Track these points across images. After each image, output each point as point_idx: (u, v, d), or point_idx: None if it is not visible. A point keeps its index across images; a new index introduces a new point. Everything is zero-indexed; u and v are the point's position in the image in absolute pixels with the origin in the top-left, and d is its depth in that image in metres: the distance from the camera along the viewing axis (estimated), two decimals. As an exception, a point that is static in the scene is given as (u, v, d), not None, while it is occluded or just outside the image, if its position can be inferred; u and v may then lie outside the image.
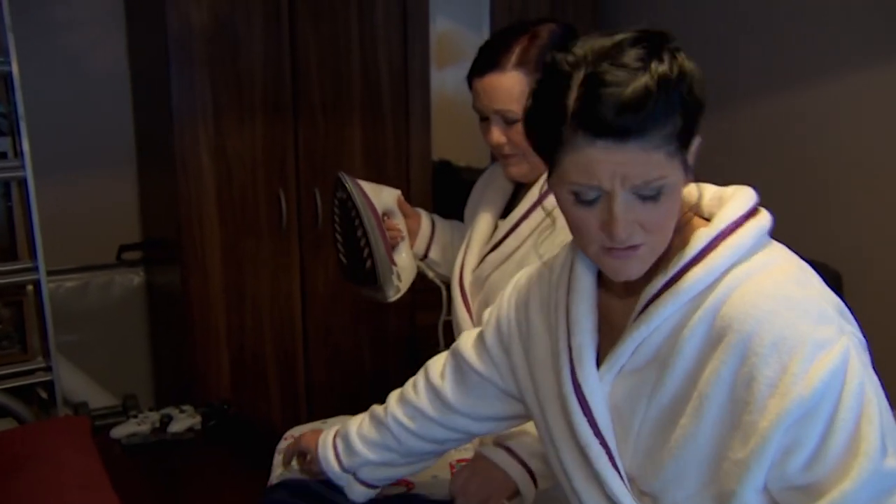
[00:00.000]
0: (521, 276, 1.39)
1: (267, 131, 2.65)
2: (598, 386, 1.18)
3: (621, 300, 1.20)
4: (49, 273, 2.47)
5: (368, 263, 1.81)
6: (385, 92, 2.77)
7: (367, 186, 1.82)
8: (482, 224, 1.81)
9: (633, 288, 1.16)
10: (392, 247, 1.85)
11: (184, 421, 1.96)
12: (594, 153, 1.04)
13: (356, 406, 2.58)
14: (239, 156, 2.62)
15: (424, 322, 2.61)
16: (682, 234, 1.13)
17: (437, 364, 1.50)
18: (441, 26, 2.88)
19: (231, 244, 2.66)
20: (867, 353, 1.08)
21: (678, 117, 1.04)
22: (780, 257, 1.11)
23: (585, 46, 1.07)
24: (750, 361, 1.03)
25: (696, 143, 1.09)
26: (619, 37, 1.07)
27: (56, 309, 2.54)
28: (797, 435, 1.01)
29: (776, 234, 1.14)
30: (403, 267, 1.86)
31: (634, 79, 1.02)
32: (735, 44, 2.67)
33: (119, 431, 1.92)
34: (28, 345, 2.48)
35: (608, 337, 1.20)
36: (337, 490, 1.52)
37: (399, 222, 1.91)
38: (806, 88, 2.46)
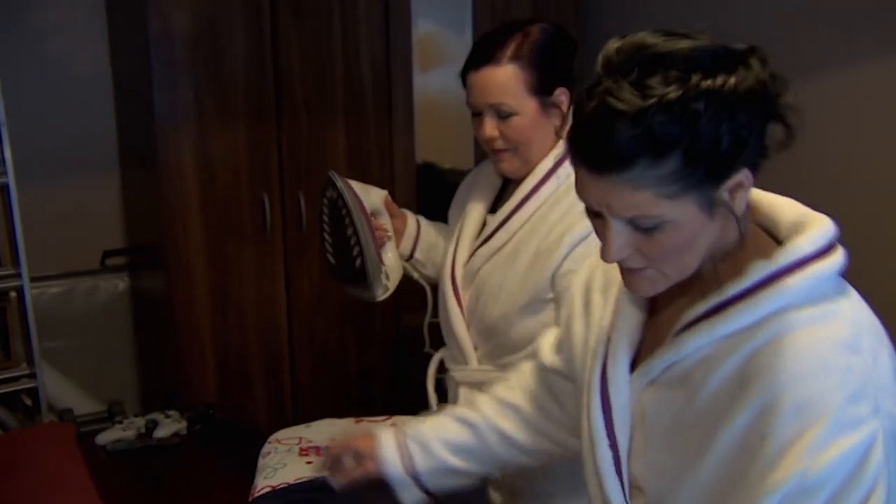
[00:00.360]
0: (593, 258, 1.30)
1: (250, 134, 2.64)
2: (626, 388, 1.13)
3: (671, 309, 1.13)
4: (33, 279, 2.46)
5: (358, 262, 1.81)
6: (368, 94, 2.77)
7: (356, 186, 1.84)
8: (472, 219, 1.82)
9: (684, 301, 1.09)
10: (379, 246, 1.85)
11: (169, 426, 1.96)
12: (580, 174, 1.00)
13: (342, 408, 2.59)
14: (222, 159, 2.62)
15: (409, 323, 2.61)
16: (740, 257, 1.03)
17: (526, 371, 1.45)
18: (423, 28, 2.88)
19: (215, 248, 2.65)
20: None
21: (676, 157, 0.94)
22: (842, 313, 0.99)
23: (632, 46, 0.98)
24: (768, 418, 0.95)
25: (735, 181, 0.97)
26: (677, 45, 0.96)
27: (40, 315, 2.53)
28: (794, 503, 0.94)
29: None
30: (391, 267, 1.87)
31: (624, 107, 0.93)
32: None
33: (104, 438, 1.92)
34: (12, 351, 2.47)
35: (653, 338, 1.14)
36: (326, 494, 1.51)
37: (386, 222, 1.92)
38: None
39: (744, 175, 0.98)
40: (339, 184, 1.81)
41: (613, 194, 0.97)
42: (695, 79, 0.94)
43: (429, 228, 2.01)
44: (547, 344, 1.39)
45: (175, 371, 2.66)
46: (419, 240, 1.98)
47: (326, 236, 1.90)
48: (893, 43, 2.24)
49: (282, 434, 1.84)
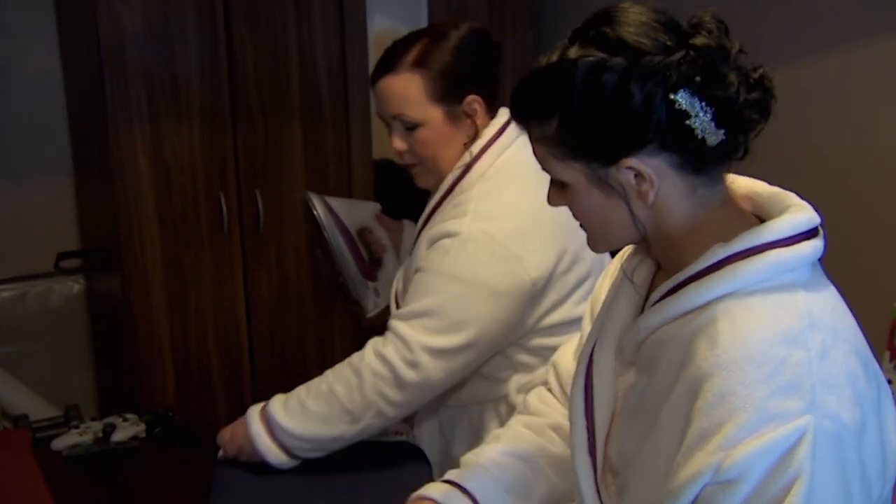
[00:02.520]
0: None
1: (205, 135, 2.62)
2: (609, 371, 1.14)
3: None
4: (-16, 283, 2.42)
5: (340, 279, 1.80)
6: (324, 93, 2.76)
7: (336, 203, 1.79)
8: (410, 235, 1.80)
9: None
10: (377, 260, 1.81)
11: (128, 429, 1.93)
12: None
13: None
14: (177, 160, 2.59)
15: (369, 324, 2.61)
16: (707, 238, 1.03)
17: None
18: (379, 25, 2.87)
19: (172, 250, 2.63)
20: (854, 442, 0.92)
21: (555, 122, 1.00)
22: (794, 304, 0.97)
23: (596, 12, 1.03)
24: (694, 403, 0.95)
25: (631, 168, 0.99)
26: (618, 15, 1.00)
27: (-7, 320, 2.49)
28: (713, 498, 0.92)
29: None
30: (388, 281, 1.81)
31: (536, 64, 1.02)
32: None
33: (60, 443, 1.89)
34: (-36, 358, 2.43)
35: None
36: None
37: (382, 236, 1.88)
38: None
39: (639, 164, 0.99)
40: (313, 203, 1.77)
41: (535, 149, 1.06)
42: (589, 55, 0.96)
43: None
44: (570, 350, 1.41)
45: (133, 374, 2.64)
46: None
47: (318, 252, 1.87)
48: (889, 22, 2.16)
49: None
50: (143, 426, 1.95)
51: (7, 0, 2.83)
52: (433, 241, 1.59)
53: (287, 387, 1.70)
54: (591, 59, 0.96)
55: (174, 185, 2.60)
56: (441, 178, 1.65)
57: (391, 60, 1.59)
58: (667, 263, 1.10)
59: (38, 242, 2.98)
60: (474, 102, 1.60)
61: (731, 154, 1.01)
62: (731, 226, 1.03)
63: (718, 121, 0.97)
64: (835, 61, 2.29)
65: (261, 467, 1.67)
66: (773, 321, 0.95)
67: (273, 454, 1.63)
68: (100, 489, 1.76)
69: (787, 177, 1.20)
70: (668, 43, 0.97)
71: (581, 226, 1.11)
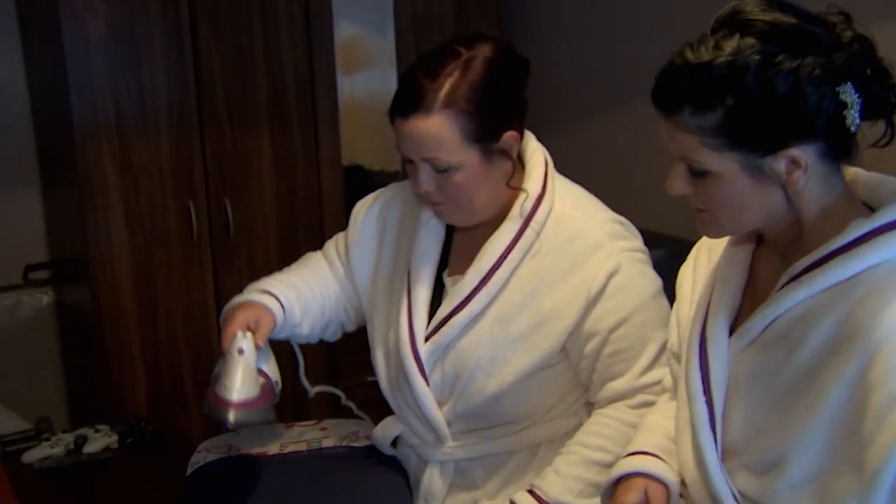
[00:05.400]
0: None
1: (173, 142, 2.61)
2: (724, 348, 1.18)
3: (768, 274, 1.18)
4: (-49, 297, 2.39)
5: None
6: (292, 99, 2.76)
7: (244, 393, 1.47)
8: (424, 282, 1.58)
9: (788, 260, 1.14)
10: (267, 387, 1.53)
11: (100, 441, 1.92)
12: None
13: (276, 414, 2.55)
14: (145, 168, 2.58)
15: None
16: (836, 223, 1.09)
17: None
18: (346, 31, 2.87)
19: (141, 259, 2.62)
20: None
21: (718, 114, 1.05)
22: None
23: (732, 9, 1.07)
24: (875, 371, 0.98)
25: (788, 157, 1.05)
26: (765, 15, 1.05)
27: (-40, 333, 2.46)
28: None
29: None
30: (276, 372, 1.58)
31: (691, 57, 1.07)
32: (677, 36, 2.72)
33: (31, 456, 1.87)
34: (-68, 372, 2.41)
35: (751, 303, 1.19)
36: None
37: (262, 356, 1.56)
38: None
39: (799, 153, 1.05)
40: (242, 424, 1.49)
41: (671, 134, 1.10)
42: (757, 49, 1.02)
43: (291, 310, 1.63)
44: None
45: (105, 385, 2.62)
46: (301, 325, 1.68)
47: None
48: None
49: (210, 442, 1.81)
50: (115, 437, 1.94)
51: (-31, 10, 2.81)
52: (588, 293, 1.47)
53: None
54: (765, 52, 1.02)
55: (142, 193, 2.59)
56: (475, 218, 1.53)
57: (419, 97, 1.42)
58: (793, 248, 1.14)
59: (6, 254, 2.94)
60: (511, 139, 1.48)
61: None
62: (854, 209, 1.11)
63: (865, 111, 1.05)
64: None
65: (233, 479, 1.66)
66: None
67: None
68: (71, 501, 1.75)
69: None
70: (833, 36, 1.04)
71: (700, 211, 1.15)
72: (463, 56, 1.43)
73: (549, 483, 1.48)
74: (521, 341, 1.50)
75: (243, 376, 1.48)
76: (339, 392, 1.78)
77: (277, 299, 1.61)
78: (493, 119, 1.46)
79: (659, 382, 1.48)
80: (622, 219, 1.58)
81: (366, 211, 1.72)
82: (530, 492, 1.50)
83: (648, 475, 1.25)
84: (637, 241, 1.57)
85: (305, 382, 1.73)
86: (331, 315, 1.74)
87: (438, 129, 1.41)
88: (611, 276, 1.47)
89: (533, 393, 1.54)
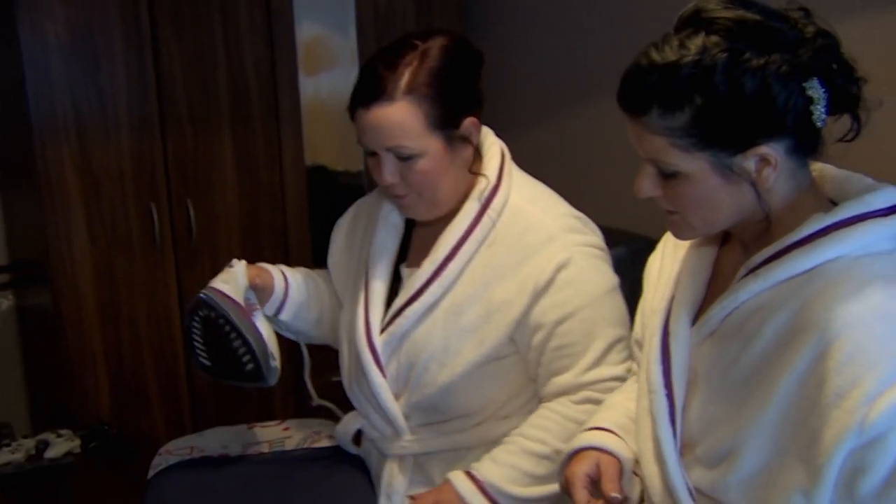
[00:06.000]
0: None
1: (134, 144, 2.59)
2: (686, 341, 1.18)
3: (730, 267, 1.19)
4: None
5: (250, 366, 1.57)
6: (254, 99, 2.75)
7: (226, 287, 1.57)
8: (380, 274, 1.61)
9: (749, 253, 1.15)
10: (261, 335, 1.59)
11: (62, 445, 1.91)
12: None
13: (241, 418, 2.56)
14: (106, 171, 2.56)
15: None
16: (799, 216, 1.10)
17: None
18: (308, 31, 2.87)
19: (103, 262, 2.60)
20: None
21: (686, 114, 1.06)
22: None
23: (695, 8, 1.07)
24: (825, 365, 0.98)
25: (758, 155, 1.05)
26: (728, 13, 1.05)
27: (-82, 339, 2.43)
28: (864, 458, 0.97)
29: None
30: (273, 344, 1.61)
31: (656, 58, 1.06)
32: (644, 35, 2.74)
33: (-9, 462, 1.86)
34: None
35: (713, 296, 1.20)
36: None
37: (251, 296, 1.64)
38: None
39: (769, 150, 1.05)
40: (216, 302, 1.54)
41: (639, 136, 1.10)
42: (723, 47, 1.01)
43: (299, 287, 1.73)
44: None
45: (67, 390, 2.59)
46: (286, 302, 1.71)
47: (200, 349, 1.61)
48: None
49: (172, 445, 1.80)
50: (78, 441, 1.93)
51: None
52: (536, 285, 1.47)
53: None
54: (732, 50, 1.01)
55: (104, 196, 2.57)
56: (438, 209, 1.54)
57: (380, 86, 1.43)
58: (757, 242, 1.15)
59: (-35, 258, 2.91)
60: (471, 125, 1.51)
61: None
62: (818, 204, 1.12)
63: (830, 106, 1.05)
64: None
65: (195, 482, 1.65)
66: (888, 280, 1.01)
67: None
68: (34, 507, 1.74)
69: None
70: (797, 31, 1.05)
71: (671, 213, 1.15)
72: (420, 47, 1.46)
73: (486, 468, 1.50)
74: (472, 332, 1.52)
75: (225, 276, 1.59)
76: (339, 411, 1.78)
77: (282, 272, 1.70)
78: (454, 104, 1.48)
79: (606, 380, 1.49)
80: (581, 214, 1.60)
81: (340, 223, 1.78)
82: (467, 473, 1.51)
83: (602, 449, 1.27)
84: (594, 237, 1.57)
85: (310, 386, 1.75)
86: (333, 315, 1.78)
87: (402, 115, 1.43)
88: (560, 268, 1.48)
89: (485, 386, 1.55)
